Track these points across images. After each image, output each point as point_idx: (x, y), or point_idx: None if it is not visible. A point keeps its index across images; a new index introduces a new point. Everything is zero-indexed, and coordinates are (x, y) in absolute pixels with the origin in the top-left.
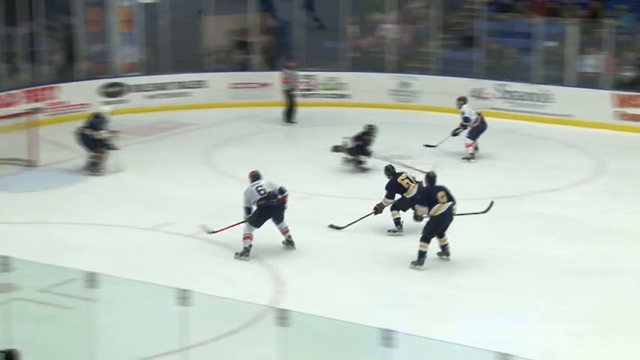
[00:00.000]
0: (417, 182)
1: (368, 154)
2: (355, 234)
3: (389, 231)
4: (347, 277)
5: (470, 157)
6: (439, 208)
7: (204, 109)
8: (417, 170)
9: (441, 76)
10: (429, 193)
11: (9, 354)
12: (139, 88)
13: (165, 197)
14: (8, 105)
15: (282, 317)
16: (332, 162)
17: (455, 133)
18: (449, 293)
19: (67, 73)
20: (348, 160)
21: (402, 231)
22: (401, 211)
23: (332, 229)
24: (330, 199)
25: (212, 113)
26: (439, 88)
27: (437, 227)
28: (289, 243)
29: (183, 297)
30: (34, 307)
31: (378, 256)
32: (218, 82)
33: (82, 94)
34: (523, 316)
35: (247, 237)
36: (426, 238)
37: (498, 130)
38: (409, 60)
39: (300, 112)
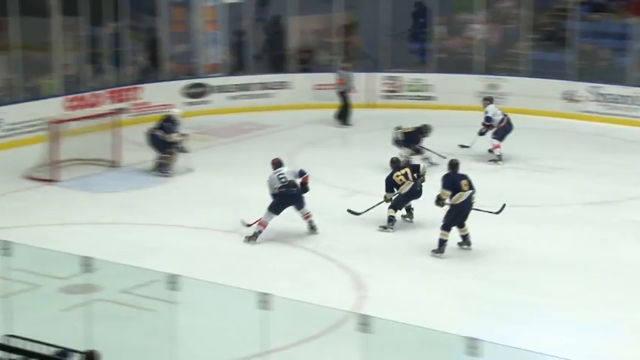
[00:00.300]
0: (413, 180)
1: (416, 151)
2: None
3: (380, 227)
4: (429, 282)
5: (497, 160)
6: (460, 197)
7: (287, 110)
8: (440, 156)
9: (531, 77)
10: (454, 179)
11: (90, 355)
12: (221, 89)
13: (247, 199)
14: (93, 105)
15: (364, 323)
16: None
17: (481, 133)
18: (538, 301)
19: (150, 74)
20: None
21: (392, 230)
22: (397, 211)
23: (351, 214)
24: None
25: (295, 115)
26: (529, 91)
27: (458, 216)
28: (312, 228)
29: (264, 301)
30: (115, 308)
31: (461, 259)
32: (301, 83)
33: (165, 95)
34: (615, 327)
35: (262, 224)
36: (446, 227)
37: (589, 134)
38: (498, 61)
39: (384, 114)
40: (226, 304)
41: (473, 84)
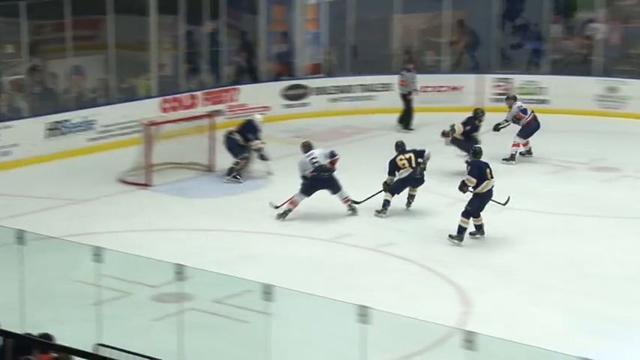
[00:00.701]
0: (414, 167)
1: (476, 141)
2: (544, 247)
3: (376, 211)
4: (536, 296)
5: (510, 159)
6: (487, 185)
7: (390, 113)
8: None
9: None
10: (480, 167)
11: None
12: (321, 91)
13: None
14: (189, 107)
15: (469, 340)
16: (525, 170)
17: (496, 128)
18: None
19: (248, 74)
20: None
21: (385, 215)
22: (394, 195)
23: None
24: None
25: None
26: None
27: (482, 204)
28: (351, 210)
29: (363, 314)
30: (207, 318)
31: (569, 272)
32: None
33: (263, 97)
34: None
35: (293, 202)
36: (469, 214)
37: None
38: (618, 63)
39: (495, 117)
40: (323, 316)
41: (590, 87)
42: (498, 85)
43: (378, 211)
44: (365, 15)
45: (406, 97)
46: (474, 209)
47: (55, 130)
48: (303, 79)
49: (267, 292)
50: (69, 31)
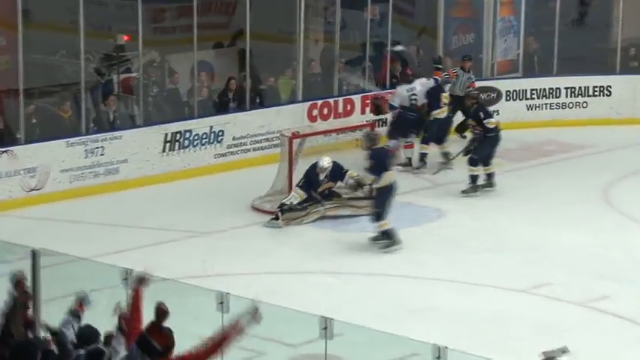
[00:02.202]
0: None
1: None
2: None
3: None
4: None
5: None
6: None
7: (605, 125)
8: None
9: None
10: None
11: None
12: (516, 95)
13: (544, 246)
14: (344, 115)
15: None
16: None
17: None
18: None
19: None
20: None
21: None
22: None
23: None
24: None
25: (617, 132)
26: None
27: (492, 150)
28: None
29: None
30: None
31: None
32: (626, 88)
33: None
34: None
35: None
36: (476, 162)
37: None
38: None
39: None
40: None
41: None
42: None
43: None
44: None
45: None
46: (482, 156)
47: (174, 142)
48: (493, 79)
49: (439, 355)
50: (194, 17)
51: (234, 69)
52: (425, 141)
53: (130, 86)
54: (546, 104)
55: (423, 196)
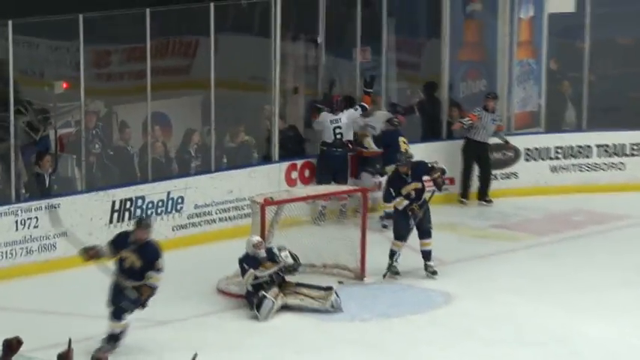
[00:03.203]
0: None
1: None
2: None
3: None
4: None
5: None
6: None
7: None
8: None
9: None
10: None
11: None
12: (538, 154)
13: (572, 338)
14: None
15: None
16: None
17: None
18: None
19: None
20: None
21: None
22: None
23: None
24: None
25: None
26: None
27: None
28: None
29: None
30: None
31: None
32: None
33: (444, 159)
34: None
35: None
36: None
37: None
38: None
39: None
40: None
41: None
42: None
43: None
44: (611, 35)
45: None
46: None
47: (123, 212)
48: (510, 135)
49: None
50: (147, 61)
51: (196, 122)
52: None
53: (68, 144)
54: (574, 165)
55: (426, 276)
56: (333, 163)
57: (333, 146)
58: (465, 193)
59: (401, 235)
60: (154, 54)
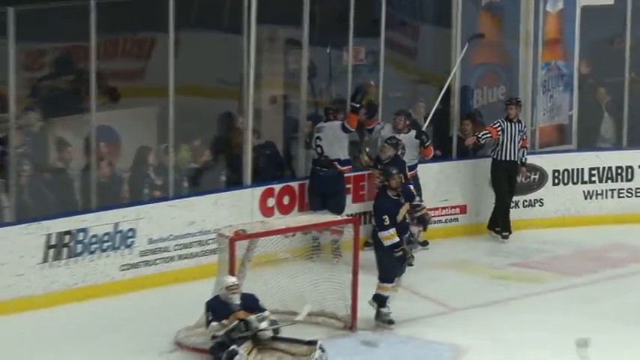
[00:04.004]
0: None
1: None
2: None
3: None
4: None
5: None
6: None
7: None
8: None
9: None
10: None
11: None
12: (568, 177)
13: None
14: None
15: None
16: None
17: None
18: None
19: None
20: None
21: None
22: None
23: None
24: None
25: None
26: None
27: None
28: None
29: None
30: None
31: None
32: None
33: (456, 183)
34: None
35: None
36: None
37: None
38: None
39: None
40: None
41: None
42: None
43: None
44: None
45: None
46: None
47: (61, 248)
48: (533, 154)
49: None
50: (92, 63)
51: (150, 138)
52: None
53: None
54: (612, 190)
55: (431, 325)
56: (319, 188)
57: (318, 164)
58: (505, 226)
59: (389, 278)
60: (100, 54)
